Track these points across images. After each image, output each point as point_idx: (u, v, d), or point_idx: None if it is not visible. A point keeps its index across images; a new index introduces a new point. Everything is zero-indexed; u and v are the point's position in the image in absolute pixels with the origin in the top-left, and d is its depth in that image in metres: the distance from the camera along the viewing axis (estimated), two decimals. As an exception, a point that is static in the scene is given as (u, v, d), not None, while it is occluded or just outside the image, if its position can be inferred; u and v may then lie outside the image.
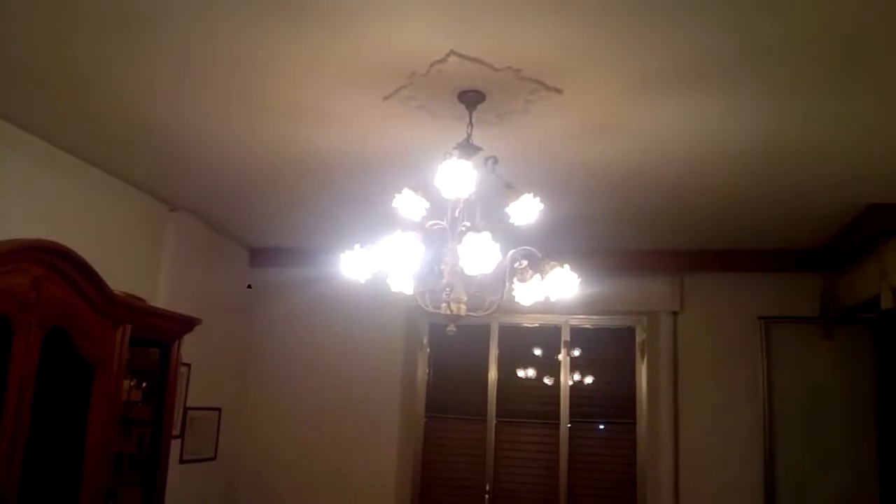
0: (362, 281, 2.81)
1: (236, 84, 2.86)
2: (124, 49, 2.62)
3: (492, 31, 2.38)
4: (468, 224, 2.66)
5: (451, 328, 2.72)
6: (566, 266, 2.73)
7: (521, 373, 5.53)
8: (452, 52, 2.50)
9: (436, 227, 2.69)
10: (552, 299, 2.75)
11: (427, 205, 2.71)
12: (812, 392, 4.81)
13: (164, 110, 3.17)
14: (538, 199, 2.67)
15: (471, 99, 2.80)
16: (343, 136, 3.34)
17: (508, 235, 2.64)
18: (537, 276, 2.74)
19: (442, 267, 2.65)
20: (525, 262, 2.74)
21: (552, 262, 2.73)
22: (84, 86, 2.96)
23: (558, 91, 2.76)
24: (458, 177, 2.50)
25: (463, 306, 2.68)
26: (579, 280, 2.75)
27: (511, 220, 2.69)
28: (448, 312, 2.67)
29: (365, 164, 3.66)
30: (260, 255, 5.76)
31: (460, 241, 2.51)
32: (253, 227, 5.25)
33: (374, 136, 3.30)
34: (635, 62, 2.52)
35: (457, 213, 2.70)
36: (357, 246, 2.80)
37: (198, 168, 3.92)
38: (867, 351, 4.72)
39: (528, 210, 2.67)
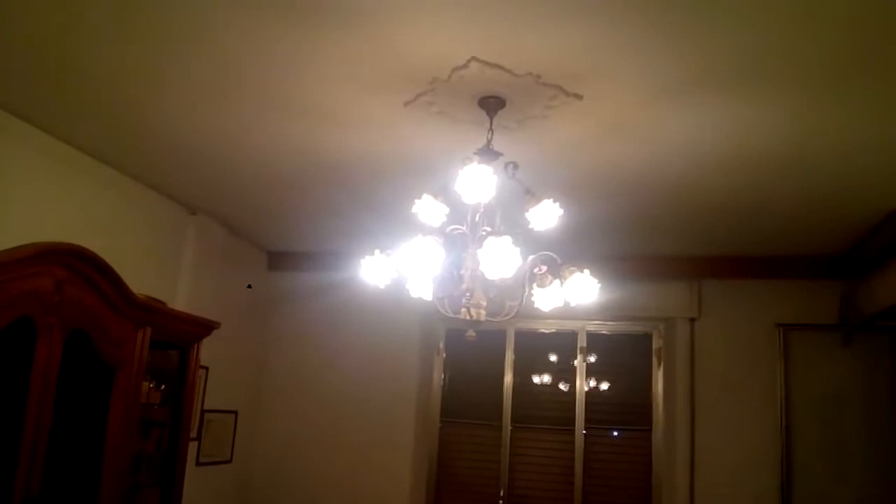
0: (382, 286, 2.82)
1: (258, 89, 2.89)
2: (148, 55, 2.65)
3: (512, 38, 2.38)
4: (488, 229, 2.65)
5: (471, 333, 2.71)
6: (586, 271, 2.72)
7: (536, 378, 5.51)
8: (473, 59, 2.51)
9: (456, 231, 2.70)
10: (571, 304, 2.74)
11: (447, 210, 2.72)
12: (831, 400, 4.77)
13: (185, 115, 3.19)
14: (558, 204, 2.68)
15: (491, 105, 2.81)
16: (364, 141, 3.35)
17: (528, 240, 2.63)
18: (557, 281, 2.74)
19: (462, 272, 2.65)
20: (545, 268, 2.74)
21: (572, 268, 2.72)
22: (106, 90, 2.99)
23: (578, 97, 2.76)
24: (478, 182, 2.50)
25: (483, 311, 2.67)
26: (598, 285, 2.74)
27: (531, 226, 2.69)
28: (468, 318, 2.66)
29: (385, 168, 3.67)
30: (278, 259, 5.79)
31: (480, 246, 2.51)
32: (272, 231, 5.28)
33: (395, 141, 3.31)
34: (656, 67, 2.52)
35: (477, 218, 2.70)
36: (377, 251, 2.81)
37: (218, 172, 3.95)
38: (887, 359, 4.68)
39: (547, 215, 2.68)
